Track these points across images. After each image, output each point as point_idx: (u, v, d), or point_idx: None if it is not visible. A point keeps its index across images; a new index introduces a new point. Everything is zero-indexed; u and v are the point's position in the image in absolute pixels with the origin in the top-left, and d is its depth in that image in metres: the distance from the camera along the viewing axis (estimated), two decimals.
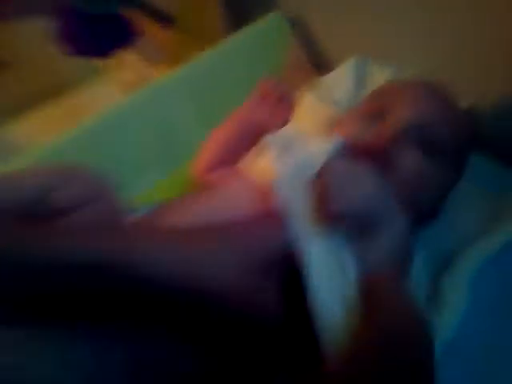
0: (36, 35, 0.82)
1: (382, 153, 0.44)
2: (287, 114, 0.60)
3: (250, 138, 0.56)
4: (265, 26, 0.73)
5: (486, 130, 0.56)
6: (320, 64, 0.76)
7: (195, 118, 0.66)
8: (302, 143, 0.46)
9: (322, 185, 0.40)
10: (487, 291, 0.43)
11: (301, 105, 0.64)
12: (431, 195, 0.47)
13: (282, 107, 0.59)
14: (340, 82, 0.65)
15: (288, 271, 0.38)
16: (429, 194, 0.47)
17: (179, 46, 0.90)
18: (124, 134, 0.60)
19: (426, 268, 0.46)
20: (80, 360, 0.32)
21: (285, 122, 0.58)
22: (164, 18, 0.92)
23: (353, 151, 0.44)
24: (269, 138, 0.47)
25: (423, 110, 0.46)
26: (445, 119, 0.46)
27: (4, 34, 0.81)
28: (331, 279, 0.36)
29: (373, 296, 0.35)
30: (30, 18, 0.83)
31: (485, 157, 0.57)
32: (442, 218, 0.50)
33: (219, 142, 0.59)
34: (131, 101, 0.62)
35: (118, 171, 0.56)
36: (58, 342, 0.31)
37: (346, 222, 0.38)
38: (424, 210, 0.47)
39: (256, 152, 0.55)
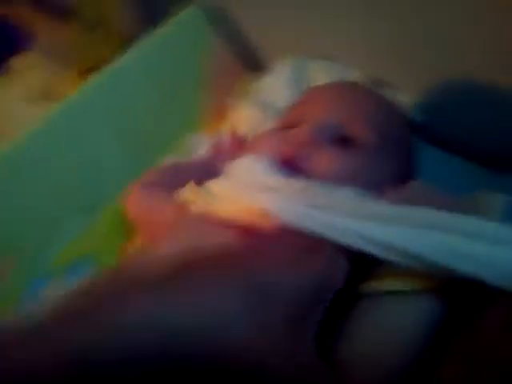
0: None
1: (294, 158, 0.42)
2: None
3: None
4: (180, 24, 0.63)
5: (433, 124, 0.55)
6: (252, 64, 0.69)
7: (115, 139, 0.57)
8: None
9: None
10: None
11: (237, 114, 0.58)
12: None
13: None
14: (277, 86, 0.59)
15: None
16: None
17: (83, 43, 0.78)
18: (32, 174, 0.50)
19: None
20: None
21: None
22: (60, 12, 0.79)
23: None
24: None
25: (334, 109, 0.46)
26: (360, 114, 0.46)
27: None
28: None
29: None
30: None
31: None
32: None
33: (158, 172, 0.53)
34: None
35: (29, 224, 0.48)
36: None
37: None
38: None
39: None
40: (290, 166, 0.42)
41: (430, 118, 0.56)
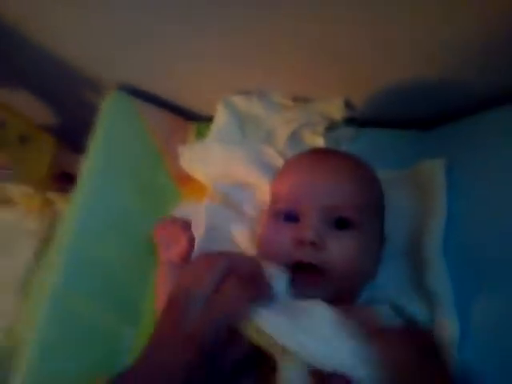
0: None
1: (310, 265, 0.48)
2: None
3: None
4: (113, 112, 0.67)
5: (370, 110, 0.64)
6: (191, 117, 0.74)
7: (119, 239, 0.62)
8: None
9: None
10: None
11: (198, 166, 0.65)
12: (374, 253, 0.52)
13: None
14: (224, 128, 0.66)
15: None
16: (371, 255, 0.52)
17: (21, 160, 0.79)
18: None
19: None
20: None
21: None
22: None
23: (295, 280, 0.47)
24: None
25: (327, 193, 0.50)
26: (348, 192, 0.50)
27: None
28: None
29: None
30: None
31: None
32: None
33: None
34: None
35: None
36: None
37: None
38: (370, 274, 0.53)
39: None
40: (309, 274, 0.47)
41: (362, 109, 0.65)
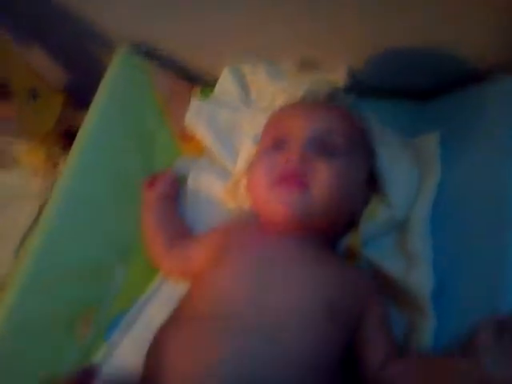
0: None
1: (296, 176, 0.50)
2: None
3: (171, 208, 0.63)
4: (122, 68, 0.68)
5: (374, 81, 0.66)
6: (196, 80, 0.76)
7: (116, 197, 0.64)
8: None
9: None
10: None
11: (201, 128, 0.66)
12: (358, 189, 0.54)
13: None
14: (226, 95, 0.67)
15: None
16: (356, 188, 0.54)
17: (27, 114, 0.81)
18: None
19: None
20: None
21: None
22: None
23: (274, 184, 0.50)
24: None
25: (312, 124, 0.52)
26: (333, 125, 0.53)
27: None
28: None
29: None
30: None
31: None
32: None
33: (154, 224, 0.61)
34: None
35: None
36: None
37: None
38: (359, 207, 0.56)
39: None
40: (293, 182, 0.49)
41: (363, 78, 0.66)
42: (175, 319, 0.49)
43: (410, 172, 0.59)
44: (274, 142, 0.54)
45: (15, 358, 0.48)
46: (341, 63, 0.64)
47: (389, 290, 0.53)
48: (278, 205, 0.50)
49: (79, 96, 0.83)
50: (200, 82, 0.76)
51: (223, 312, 0.45)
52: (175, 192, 0.65)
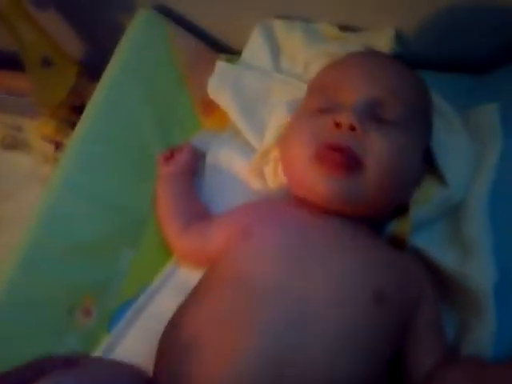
0: None
1: (348, 149, 0.41)
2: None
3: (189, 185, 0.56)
4: (142, 30, 0.62)
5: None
6: (221, 47, 0.68)
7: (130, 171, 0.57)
8: None
9: None
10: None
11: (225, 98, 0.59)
12: (415, 167, 0.45)
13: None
14: (256, 59, 0.60)
15: None
16: (413, 167, 0.45)
17: (42, 83, 0.75)
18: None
19: None
20: None
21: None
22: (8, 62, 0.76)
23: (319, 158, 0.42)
24: None
25: (367, 86, 0.43)
26: (391, 88, 0.44)
27: None
28: None
29: None
30: None
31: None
32: None
33: (170, 201, 0.54)
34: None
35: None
36: None
37: None
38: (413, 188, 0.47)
39: None
40: (344, 159, 0.41)
41: (412, 46, 0.58)
42: (193, 301, 0.42)
43: (468, 147, 0.50)
44: (321, 101, 0.45)
45: (14, 336, 0.44)
46: (387, 27, 0.56)
47: (440, 283, 0.46)
48: (322, 187, 0.41)
49: (95, 69, 0.77)
50: (226, 51, 0.69)
51: (244, 295, 0.38)
52: (194, 167, 0.58)
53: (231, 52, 0.68)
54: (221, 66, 0.60)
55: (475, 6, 0.52)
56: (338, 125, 0.41)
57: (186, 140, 0.61)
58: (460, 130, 0.50)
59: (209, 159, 0.58)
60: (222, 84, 0.59)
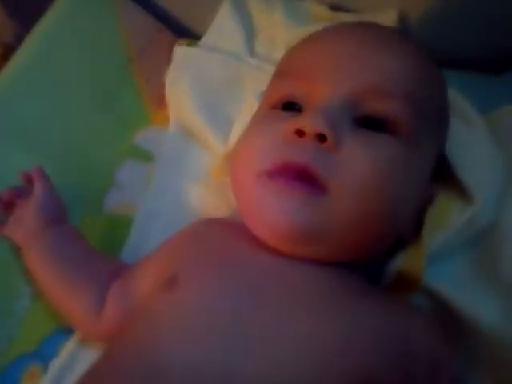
0: None
1: (308, 168, 0.29)
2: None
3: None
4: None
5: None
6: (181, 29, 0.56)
7: None
8: None
9: None
10: None
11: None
12: (419, 187, 0.33)
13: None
14: (225, 39, 0.49)
15: None
16: (415, 187, 0.33)
17: None
18: None
19: None
20: None
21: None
22: None
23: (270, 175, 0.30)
24: None
25: (349, 75, 0.31)
26: (388, 72, 0.31)
27: None
28: None
29: None
30: None
31: None
32: None
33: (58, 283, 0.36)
34: None
35: None
36: None
37: None
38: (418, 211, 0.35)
39: None
40: (302, 180, 0.29)
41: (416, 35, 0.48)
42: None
43: (495, 156, 0.38)
44: (284, 94, 0.33)
45: None
46: (389, 8, 0.46)
47: (466, 343, 0.33)
48: (272, 213, 0.29)
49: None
50: (188, 36, 0.56)
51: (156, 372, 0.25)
52: (58, 206, 0.39)
53: (194, 37, 0.56)
54: (180, 50, 0.49)
55: None
56: (300, 133, 0.29)
57: (131, 139, 0.47)
58: (484, 134, 0.39)
59: (157, 170, 0.46)
60: (181, 71, 0.48)
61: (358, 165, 0.29)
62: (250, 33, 0.49)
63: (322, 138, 0.29)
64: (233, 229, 0.34)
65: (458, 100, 0.40)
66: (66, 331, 0.37)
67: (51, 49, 0.46)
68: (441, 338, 0.31)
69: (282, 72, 0.36)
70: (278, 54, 0.47)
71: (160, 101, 0.49)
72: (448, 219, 0.36)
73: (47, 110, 0.44)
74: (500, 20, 0.46)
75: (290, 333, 0.26)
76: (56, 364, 0.35)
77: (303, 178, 0.28)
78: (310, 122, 0.29)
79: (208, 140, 0.45)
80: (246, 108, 0.42)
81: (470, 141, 0.38)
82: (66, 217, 0.39)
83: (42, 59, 0.45)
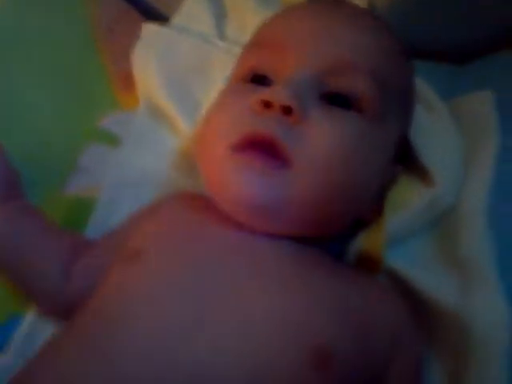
0: None
1: (273, 140, 0.29)
2: None
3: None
4: None
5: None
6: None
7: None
8: None
9: None
10: None
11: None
12: (382, 165, 0.34)
13: None
14: (194, 21, 0.48)
15: None
16: (378, 165, 0.33)
17: None
18: None
19: None
20: None
21: None
22: None
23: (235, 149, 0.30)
24: None
25: (317, 48, 0.32)
26: (357, 48, 0.32)
27: None
28: None
29: None
30: None
31: None
32: None
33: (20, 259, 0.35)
34: None
35: None
36: None
37: None
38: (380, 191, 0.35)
39: None
40: (266, 152, 0.29)
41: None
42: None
43: (457, 140, 0.39)
44: (253, 66, 0.33)
45: None
46: None
47: (424, 322, 0.34)
48: (237, 186, 0.30)
49: None
50: (157, 18, 0.55)
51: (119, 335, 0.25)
52: (13, 181, 0.37)
53: (163, 19, 0.55)
54: (148, 28, 0.48)
55: None
56: (266, 105, 0.29)
57: (96, 120, 0.45)
58: (447, 121, 0.40)
59: (125, 153, 0.44)
60: (147, 52, 0.46)
61: (322, 139, 0.29)
62: (220, 16, 0.49)
63: (288, 110, 0.29)
64: (199, 203, 0.35)
65: (422, 88, 0.42)
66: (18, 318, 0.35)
67: (12, 17, 0.44)
68: (406, 315, 0.32)
69: (253, 44, 0.36)
70: (248, 36, 0.47)
71: (127, 84, 0.47)
72: (409, 201, 0.37)
73: (3, 80, 0.42)
74: (465, 14, 0.47)
75: (248, 305, 0.27)
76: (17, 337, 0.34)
77: (267, 150, 0.29)
78: (276, 94, 0.29)
79: (175, 121, 0.44)
80: (215, 91, 0.42)
81: (432, 127, 0.39)
82: (22, 193, 0.37)
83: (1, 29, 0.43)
